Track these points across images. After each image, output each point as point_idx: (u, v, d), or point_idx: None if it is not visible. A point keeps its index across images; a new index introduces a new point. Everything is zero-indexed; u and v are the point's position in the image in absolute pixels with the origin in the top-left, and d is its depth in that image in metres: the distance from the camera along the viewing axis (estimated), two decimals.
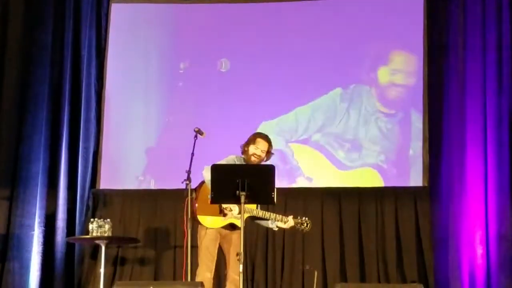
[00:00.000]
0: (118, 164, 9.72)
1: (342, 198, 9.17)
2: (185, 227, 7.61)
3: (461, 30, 9.04)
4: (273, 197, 6.90)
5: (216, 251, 7.55)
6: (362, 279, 8.85)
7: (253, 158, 7.53)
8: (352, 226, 9.07)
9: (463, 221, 8.63)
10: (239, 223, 7.26)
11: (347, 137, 9.37)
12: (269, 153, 7.58)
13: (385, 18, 9.50)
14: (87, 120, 9.70)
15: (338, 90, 9.46)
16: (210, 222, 7.43)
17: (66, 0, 9.85)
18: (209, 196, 6.84)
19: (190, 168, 7.46)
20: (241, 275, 6.86)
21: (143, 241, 9.20)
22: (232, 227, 7.51)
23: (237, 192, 6.83)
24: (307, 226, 7.58)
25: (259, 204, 7.47)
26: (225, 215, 7.41)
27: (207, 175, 7.30)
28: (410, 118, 9.25)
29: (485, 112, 8.78)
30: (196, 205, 7.44)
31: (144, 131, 9.74)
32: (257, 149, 7.52)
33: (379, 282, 8.73)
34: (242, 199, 6.85)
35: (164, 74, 9.83)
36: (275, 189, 6.84)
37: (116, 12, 9.97)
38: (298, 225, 7.58)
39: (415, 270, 8.82)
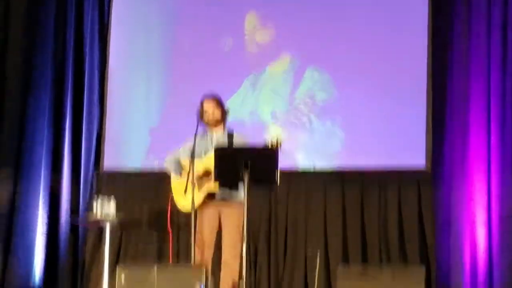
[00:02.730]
0: (121, 144, 9.73)
1: (345, 181, 9.17)
2: (168, 227, 7.72)
3: (466, 8, 8.98)
4: (277, 178, 6.94)
5: (209, 233, 7.57)
6: (364, 261, 8.86)
7: (210, 120, 7.59)
8: (354, 208, 9.07)
9: (466, 203, 8.62)
10: (214, 189, 7.29)
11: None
12: (220, 107, 7.61)
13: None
14: (90, 102, 9.72)
15: None
16: (188, 203, 7.44)
17: None
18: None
19: (194, 149, 7.48)
20: (244, 257, 6.90)
21: (147, 221, 9.23)
22: (225, 199, 7.51)
23: (241, 173, 6.87)
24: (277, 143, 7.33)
25: (262, 184, 7.51)
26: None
27: (167, 166, 7.44)
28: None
29: (489, 93, 8.75)
30: (172, 195, 7.55)
31: (147, 112, 9.73)
32: (207, 112, 7.54)
33: (381, 264, 8.73)
34: (245, 181, 6.88)
35: (167, 53, 9.82)
36: (279, 171, 6.87)
37: None
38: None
39: (417, 252, 8.81)
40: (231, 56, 9.68)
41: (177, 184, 7.65)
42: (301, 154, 9.34)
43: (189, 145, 7.58)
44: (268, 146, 7.08)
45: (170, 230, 8.08)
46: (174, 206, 7.69)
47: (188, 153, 7.56)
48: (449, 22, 9.05)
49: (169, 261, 8.46)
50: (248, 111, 9.52)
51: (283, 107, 9.49)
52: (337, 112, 9.34)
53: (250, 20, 9.73)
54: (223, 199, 7.56)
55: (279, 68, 9.58)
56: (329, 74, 9.43)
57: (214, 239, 7.65)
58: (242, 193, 7.28)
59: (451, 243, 8.62)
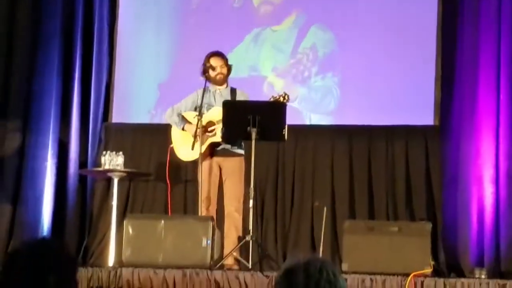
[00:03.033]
0: (130, 97, 9.74)
1: (352, 136, 9.17)
2: (167, 176, 7.77)
3: None
4: (284, 134, 6.96)
5: (210, 184, 7.61)
6: (371, 216, 8.88)
7: (218, 77, 7.53)
8: (361, 164, 9.08)
9: (474, 160, 8.60)
10: (215, 139, 7.34)
11: None
12: (226, 65, 7.65)
13: None
14: (100, 53, 9.68)
15: None
16: (192, 154, 7.46)
17: None
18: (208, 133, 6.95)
19: (201, 103, 7.50)
20: (251, 213, 6.95)
21: (154, 175, 9.26)
22: (225, 153, 7.54)
23: (248, 128, 6.89)
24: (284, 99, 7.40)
25: (270, 141, 7.53)
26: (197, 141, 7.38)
27: (168, 117, 7.48)
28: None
29: (499, 49, 8.68)
30: (171, 146, 7.58)
31: (156, 66, 9.72)
32: (215, 68, 7.55)
33: (388, 219, 8.77)
34: (253, 135, 6.92)
35: (176, 9, 9.78)
36: (286, 126, 6.88)
37: None
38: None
39: (424, 208, 8.84)
40: (239, 12, 9.63)
41: (178, 135, 7.67)
42: (305, 109, 9.33)
43: (190, 97, 7.61)
44: (281, 101, 7.12)
45: (168, 181, 8.12)
46: (175, 157, 7.70)
47: (191, 105, 7.59)
48: None
49: (173, 213, 8.50)
50: (248, 66, 9.50)
51: (285, 62, 9.48)
52: (344, 68, 9.33)
53: None
54: (224, 152, 7.58)
55: (283, 26, 9.56)
56: (333, 32, 9.42)
57: (216, 192, 7.70)
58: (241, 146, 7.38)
59: (458, 200, 8.61)
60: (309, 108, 9.33)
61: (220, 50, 7.92)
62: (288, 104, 7.32)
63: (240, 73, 9.10)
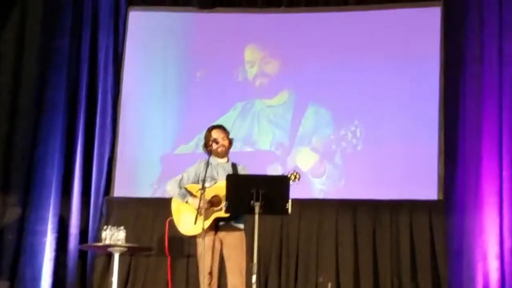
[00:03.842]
0: (132, 171, 9.73)
1: (357, 210, 9.13)
2: (166, 250, 7.69)
3: (478, 42, 9.03)
4: (288, 208, 6.91)
5: (213, 259, 7.52)
6: None
7: (219, 149, 7.53)
8: (367, 238, 9.03)
9: (478, 235, 8.58)
10: (221, 214, 7.27)
11: None
12: (228, 138, 7.60)
13: (402, 30, 9.48)
14: (103, 126, 9.71)
15: None
16: (195, 228, 7.38)
17: (84, 7, 9.89)
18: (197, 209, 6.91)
19: (204, 177, 7.45)
20: (255, 286, 6.84)
21: (156, 249, 9.17)
22: (226, 228, 7.46)
23: (252, 202, 6.84)
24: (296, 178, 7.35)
25: (273, 214, 7.48)
26: (201, 214, 7.32)
27: (170, 190, 7.43)
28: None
29: (501, 125, 8.75)
30: (171, 218, 7.51)
31: (159, 139, 9.75)
32: (217, 141, 7.54)
33: None
34: (257, 210, 6.85)
35: (180, 82, 9.88)
36: (290, 200, 6.83)
37: (134, 19, 10.04)
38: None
39: (429, 283, 8.77)
40: (240, 86, 9.77)
41: (179, 208, 7.60)
42: (314, 183, 9.34)
43: (193, 169, 7.57)
44: (287, 176, 7.11)
45: (168, 255, 8.02)
46: (177, 230, 7.64)
47: (193, 177, 7.55)
48: (461, 54, 9.07)
49: None
50: (245, 140, 9.61)
51: (287, 138, 9.56)
52: (347, 144, 9.35)
53: (254, 52, 9.84)
54: (225, 227, 7.52)
55: (277, 101, 9.70)
56: (332, 111, 9.53)
57: (217, 267, 7.60)
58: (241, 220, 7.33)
59: (463, 275, 8.56)
60: (326, 183, 9.36)
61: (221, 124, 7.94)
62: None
63: (240, 147, 9.19)
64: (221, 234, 7.50)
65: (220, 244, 7.52)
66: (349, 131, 9.42)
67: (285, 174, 7.36)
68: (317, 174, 9.41)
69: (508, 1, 8.93)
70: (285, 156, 9.53)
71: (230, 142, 7.67)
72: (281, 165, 9.44)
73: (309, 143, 9.55)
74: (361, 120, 9.41)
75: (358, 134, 9.41)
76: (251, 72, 9.83)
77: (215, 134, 7.60)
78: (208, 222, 7.34)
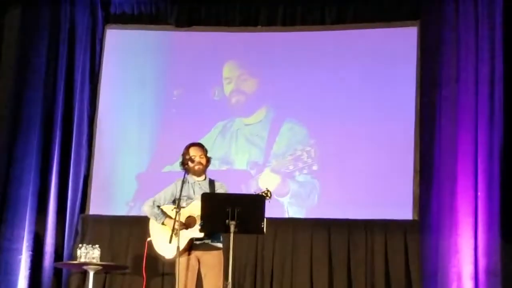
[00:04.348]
0: (108, 189, 9.71)
1: (331, 230, 9.13)
2: (143, 270, 7.65)
3: (454, 63, 9.07)
4: (263, 227, 6.90)
5: (189, 278, 7.47)
6: None
7: (196, 167, 7.51)
8: (341, 257, 9.04)
9: (453, 255, 8.59)
10: (196, 234, 7.24)
11: None
12: (206, 156, 7.58)
13: (378, 50, 9.53)
14: (79, 144, 9.69)
15: None
16: (172, 251, 7.34)
17: (61, 24, 9.90)
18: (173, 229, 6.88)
19: (180, 195, 7.43)
20: None
21: (132, 268, 9.14)
22: (204, 247, 7.43)
23: (227, 221, 6.83)
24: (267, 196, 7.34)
25: (249, 233, 7.46)
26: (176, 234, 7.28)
27: (146, 210, 7.40)
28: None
29: (476, 145, 8.77)
30: (149, 239, 7.47)
31: (135, 157, 9.74)
32: (194, 159, 7.52)
33: None
34: (232, 228, 6.84)
35: (157, 101, 9.88)
36: (265, 219, 6.83)
37: (111, 38, 10.05)
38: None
39: None
40: (218, 104, 9.78)
41: (157, 229, 7.56)
42: (287, 204, 9.36)
43: (169, 189, 7.53)
44: (262, 195, 7.10)
45: (144, 275, 7.98)
46: (153, 249, 7.62)
47: (170, 197, 7.52)
48: (437, 74, 9.13)
49: None
50: (223, 159, 9.60)
51: (262, 157, 9.56)
52: (322, 163, 9.38)
53: (232, 69, 9.87)
54: (203, 246, 7.48)
55: (254, 119, 9.73)
56: (308, 127, 9.55)
57: (194, 285, 7.57)
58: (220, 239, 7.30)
59: None
60: (294, 202, 9.35)
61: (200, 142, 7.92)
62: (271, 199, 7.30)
63: (216, 165, 9.18)
64: (199, 253, 7.47)
65: (197, 263, 7.49)
66: (305, 151, 9.46)
67: (256, 192, 7.35)
68: (282, 194, 9.41)
69: (484, 21, 8.99)
70: (259, 175, 9.54)
71: (208, 160, 7.64)
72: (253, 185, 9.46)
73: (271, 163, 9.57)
74: (335, 138, 9.43)
75: (313, 154, 9.44)
76: (228, 88, 9.84)
77: (193, 152, 7.58)
78: (184, 242, 7.31)
